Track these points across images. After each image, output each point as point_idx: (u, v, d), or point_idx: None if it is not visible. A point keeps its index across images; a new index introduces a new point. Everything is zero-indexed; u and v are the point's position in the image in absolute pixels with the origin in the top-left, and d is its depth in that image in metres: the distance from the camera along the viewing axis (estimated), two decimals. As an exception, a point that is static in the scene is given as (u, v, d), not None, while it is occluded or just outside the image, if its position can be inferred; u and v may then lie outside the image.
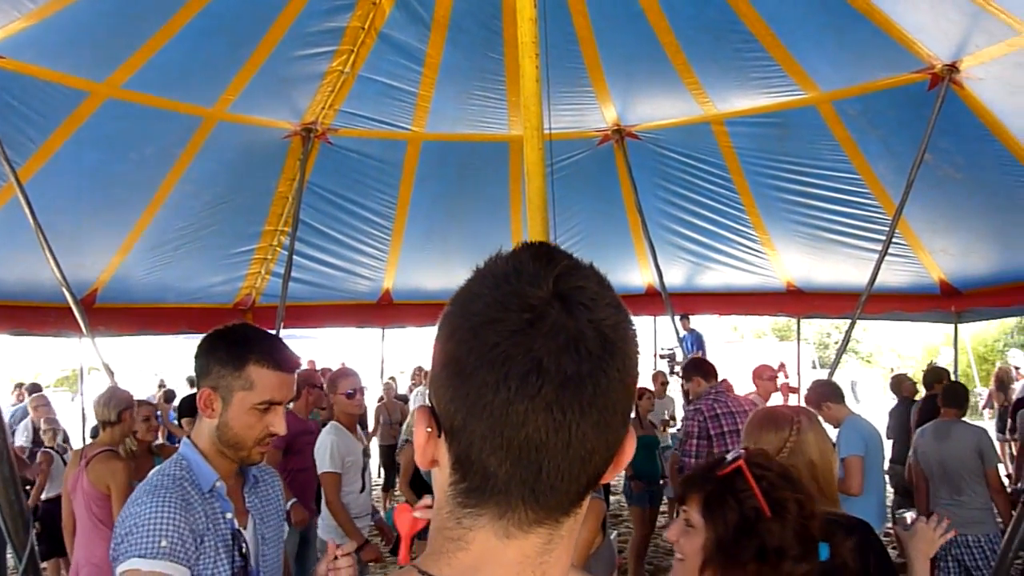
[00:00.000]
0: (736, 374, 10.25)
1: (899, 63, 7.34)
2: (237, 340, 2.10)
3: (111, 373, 7.27)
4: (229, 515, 2.06)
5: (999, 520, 5.57)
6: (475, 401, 0.73)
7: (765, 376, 7.28)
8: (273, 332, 2.20)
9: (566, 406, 0.71)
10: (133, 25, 6.52)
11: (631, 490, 7.34)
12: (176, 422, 8.89)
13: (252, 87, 7.60)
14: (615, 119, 9.02)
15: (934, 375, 7.94)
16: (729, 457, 1.79)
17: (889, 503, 8.50)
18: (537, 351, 0.71)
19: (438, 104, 8.50)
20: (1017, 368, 13.26)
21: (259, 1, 6.86)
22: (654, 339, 12.85)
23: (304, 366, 10.72)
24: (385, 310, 11.57)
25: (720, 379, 6.32)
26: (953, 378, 11.69)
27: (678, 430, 7.46)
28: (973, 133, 7.95)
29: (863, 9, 6.79)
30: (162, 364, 20.42)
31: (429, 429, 0.79)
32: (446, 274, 11.27)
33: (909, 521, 2.59)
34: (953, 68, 7.21)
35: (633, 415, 7.44)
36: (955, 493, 5.39)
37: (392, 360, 13.56)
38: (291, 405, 5.19)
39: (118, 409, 4.78)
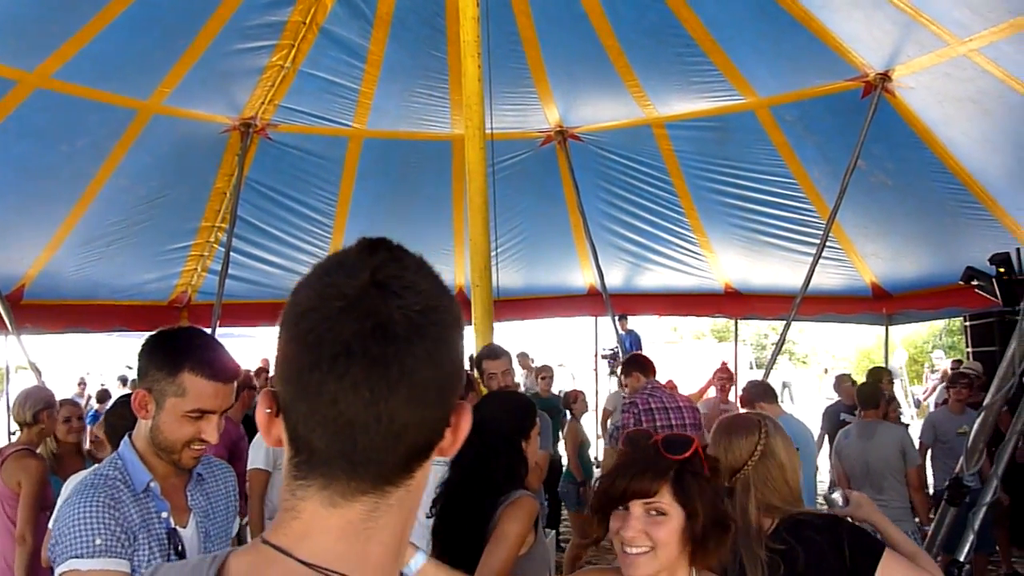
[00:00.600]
0: (676, 374, 10.40)
1: (834, 71, 7.52)
2: (175, 346, 2.08)
3: (38, 372, 7.05)
4: (164, 514, 2.06)
5: (916, 519, 5.77)
6: (297, 382, 0.81)
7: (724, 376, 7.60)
8: (216, 338, 2.16)
9: (374, 384, 0.79)
10: (65, 13, 6.32)
11: (577, 496, 7.34)
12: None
13: (189, 80, 7.44)
14: (558, 120, 9.07)
15: (875, 376, 8.15)
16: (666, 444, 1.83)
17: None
18: (346, 335, 0.79)
19: (380, 101, 8.44)
20: (938, 364, 13.66)
21: (197, -8, 6.73)
22: (595, 339, 12.94)
23: (259, 364, 10.58)
24: (325, 308, 11.44)
25: (662, 380, 6.48)
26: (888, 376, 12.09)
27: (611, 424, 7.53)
28: (904, 141, 8.19)
29: (800, 17, 6.94)
30: (93, 362, 19.89)
31: (268, 410, 0.86)
32: (387, 273, 11.20)
33: (840, 501, 2.64)
34: (885, 77, 7.42)
35: (569, 417, 7.54)
36: (877, 492, 5.52)
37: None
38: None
39: (34, 410, 4.64)
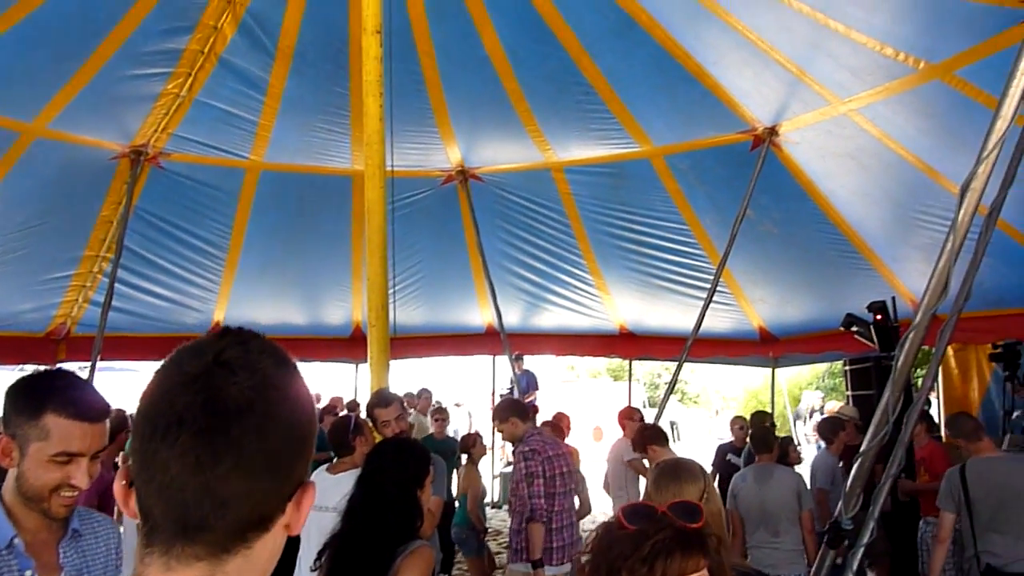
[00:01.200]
0: (572, 412, 10.50)
1: (725, 124, 7.84)
2: (36, 387, 1.96)
3: None
4: (28, 573, 1.91)
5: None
6: (140, 453, 0.85)
7: (635, 417, 7.64)
8: (84, 375, 2.05)
9: (200, 453, 0.82)
10: (-58, 30, 6.01)
11: (477, 542, 7.24)
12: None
13: (77, 104, 7.15)
14: (459, 160, 9.12)
15: (759, 419, 8.40)
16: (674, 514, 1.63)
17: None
18: (180, 408, 0.83)
19: (279, 134, 8.30)
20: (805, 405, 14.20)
21: (89, 15, 6.48)
22: (493, 378, 12.94)
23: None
24: (215, 343, 11.08)
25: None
26: (770, 419, 12.49)
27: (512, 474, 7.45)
28: (790, 192, 8.58)
29: (695, 72, 7.22)
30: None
31: (123, 482, 0.89)
32: (281, 308, 10.96)
33: None
34: (773, 131, 7.78)
35: (466, 461, 7.46)
36: (772, 535, 5.66)
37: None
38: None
39: None
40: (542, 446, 5.24)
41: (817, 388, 25.01)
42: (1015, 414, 7.91)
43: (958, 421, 5.03)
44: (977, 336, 9.32)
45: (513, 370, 9.87)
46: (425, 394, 10.98)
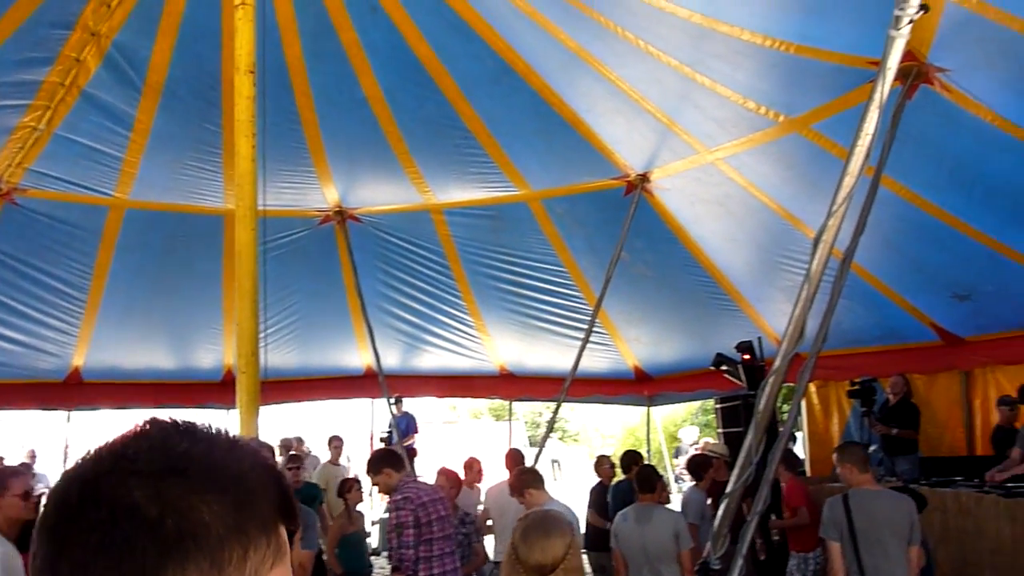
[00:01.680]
0: (454, 453, 10.40)
1: (600, 169, 8.06)
2: None
3: None
4: None
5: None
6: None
7: (475, 468, 7.60)
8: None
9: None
10: None
11: None
12: None
13: (-80, 136, 6.70)
14: (336, 200, 8.99)
15: (630, 459, 8.48)
16: None
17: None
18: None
19: (146, 171, 7.98)
20: (685, 443, 14.59)
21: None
22: (372, 422, 12.71)
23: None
24: (73, 390, 10.44)
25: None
26: (646, 455, 12.73)
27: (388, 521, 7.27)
28: (661, 236, 8.88)
29: (570, 119, 7.41)
30: None
31: None
32: (147, 352, 10.47)
33: None
34: (645, 178, 8.05)
35: (343, 508, 7.26)
36: (655, 575, 5.74)
37: (80, 447, 12.16)
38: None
39: None
40: (416, 493, 5.17)
41: (693, 424, 25.73)
42: (872, 448, 8.32)
43: (852, 450, 5.17)
44: (837, 374, 9.82)
45: (392, 413, 9.72)
46: (336, 442, 10.55)
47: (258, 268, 5.20)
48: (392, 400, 9.75)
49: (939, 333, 8.71)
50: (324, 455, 11.17)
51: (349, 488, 7.22)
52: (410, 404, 12.86)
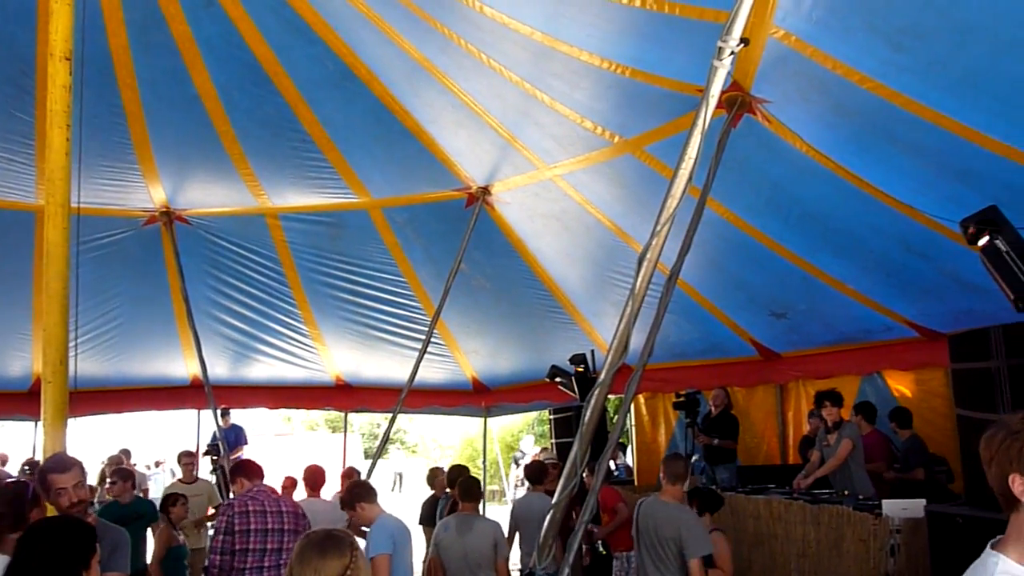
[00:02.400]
0: (288, 466, 10.05)
1: (442, 180, 8.05)
2: None
3: None
4: None
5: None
6: None
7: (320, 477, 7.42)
8: None
9: None
10: None
11: None
12: None
13: None
14: (163, 201, 8.50)
15: (456, 472, 8.47)
16: None
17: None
18: None
19: (-56, 161, 7.29)
20: (524, 453, 14.84)
21: None
22: (198, 434, 12.09)
23: None
24: None
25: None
26: (482, 466, 12.83)
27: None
28: (501, 249, 8.98)
29: (412, 129, 7.36)
30: None
31: None
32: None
33: None
34: (486, 191, 8.12)
35: (163, 523, 6.89)
36: None
37: None
38: None
39: None
40: (242, 501, 5.05)
41: (529, 435, 26.14)
42: (694, 457, 8.71)
43: (674, 462, 5.43)
44: (664, 386, 10.27)
45: (218, 425, 9.28)
46: (187, 458, 9.87)
47: (70, 269, 4.82)
48: (219, 411, 9.30)
49: (757, 348, 9.25)
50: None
51: (173, 502, 6.86)
52: (241, 416, 12.37)
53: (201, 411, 11.50)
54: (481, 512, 6.37)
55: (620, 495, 7.47)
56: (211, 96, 7.05)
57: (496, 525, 5.85)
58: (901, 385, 8.47)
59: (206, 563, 5.02)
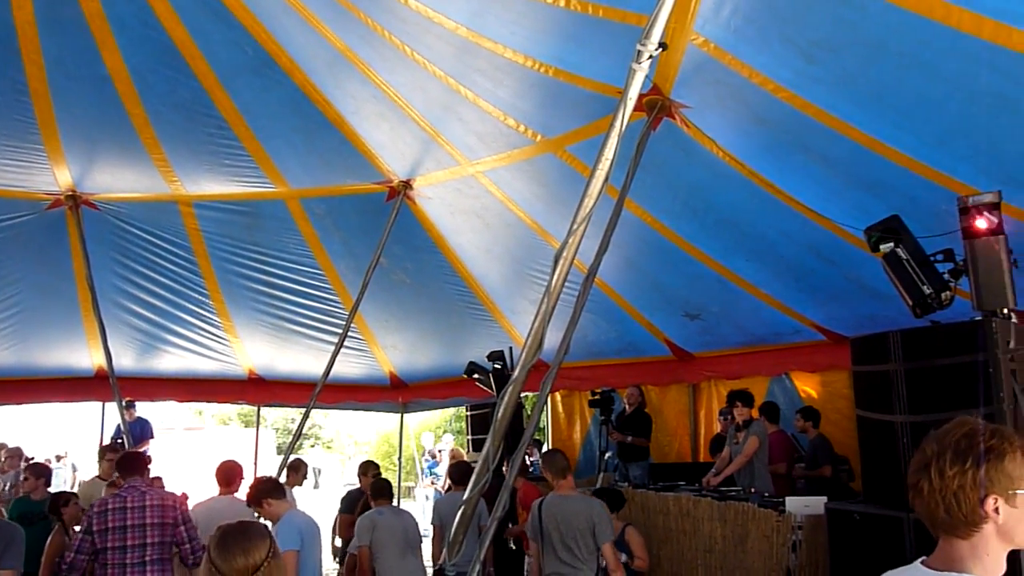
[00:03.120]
0: (199, 461, 9.78)
1: (362, 173, 7.95)
2: None
3: None
4: None
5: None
6: None
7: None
8: None
9: None
10: None
11: None
12: None
13: None
14: (70, 184, 8.16)
15: (364, 469, 8.41)
16: None
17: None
18: None
19: None
20: (440, 451, 14.77)
21: None
22: (102, 427, 11.67)
23: None
24: None
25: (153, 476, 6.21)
26: (397, 462, 12.75)
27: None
28: (422, 244, 8.92)
29: (333, 119, 7.24)
30: None
31: None
32: None
33: None
34: (407, 185, 8.05)
35: (56, 528, 6.63)
36: (414, 563, 6.02)
37: None
38: None
39: None
40: (102, 500, 5.06)
41: (446, 432, 26.09)
42: (608, 454, 8.84)
43: (553, 458, 5.55)
44: (580, 384, 10.38)
45: (123, 418, 8.97)
46: (110, 455, 9.43)
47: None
48: (124, 403, 8.99)
49: (672, 348, 9.43)
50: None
51: (65, 502, 6.46)
52: (149, 409, 12.00)
53: (106, 403, 11.12)
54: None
55: (540, 493, 7.52)
56: (123, 77, 6.80)
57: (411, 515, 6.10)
58: (808, 386, 8.75)
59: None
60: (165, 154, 7.62)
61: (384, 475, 7.82)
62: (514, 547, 7.68)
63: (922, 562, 1.73)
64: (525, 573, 7.51)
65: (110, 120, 7.20)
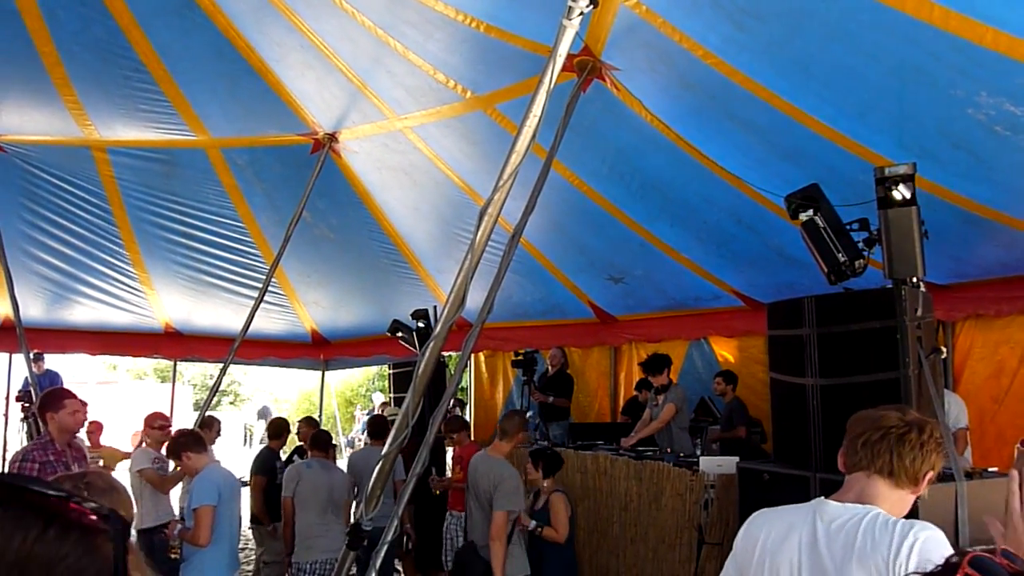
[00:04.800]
0: (113, 416, 9.49)
1: (287, 123, 7.74)
2: None
3: None
4: None
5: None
6: None
7: (156, 424, 7.01)
8: None
9: None
10: None
11: None
12: None
13: None
14: (-26, 124, 7.75)
15: (307, 423, 8.48)
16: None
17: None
18: None
19: None
20: (377, 405, 14.69)
21: None
22: (8, 380, 11.24)
23: None
24: None
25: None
26: (318, 419, 12.63)
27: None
28: (347, 199, 8.78)
29: (257, 67, 7.01)
30: None
31: None
32: None
33: None
34: (333, 138, 7.88)
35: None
36: (335, 521, 6.10)
37: None
38: None
39: None
40: (13, 457, 4.87)
41: (367, 390, 25.98)
42: (529, 414, 8.92)
43: (508, 418, 5.77)
44: (504, 344, 10.43)
45: (31, 370, 8.64)
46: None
47: None
48: (32, 355, 8.65)
49: (595, 311, 9.54)
50: None
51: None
52: (60, 361, 11.62)
53: (13, 355, 10.71)
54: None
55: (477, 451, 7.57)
56: (32, 12, 6.43)
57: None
58: (725, 351, 8.99)
59: None
60: (77, 96, 7.27)
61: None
62: (438, 493, 7.75)
63: (823, 499, 1.96)
64: (444, 528, 7.57)
65: (18, 58, 6.82)
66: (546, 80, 3.77)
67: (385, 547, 4.05)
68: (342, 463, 9.06)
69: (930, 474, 2.00)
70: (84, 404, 5.12)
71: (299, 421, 8.85)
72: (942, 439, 2.01)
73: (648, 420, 7.58)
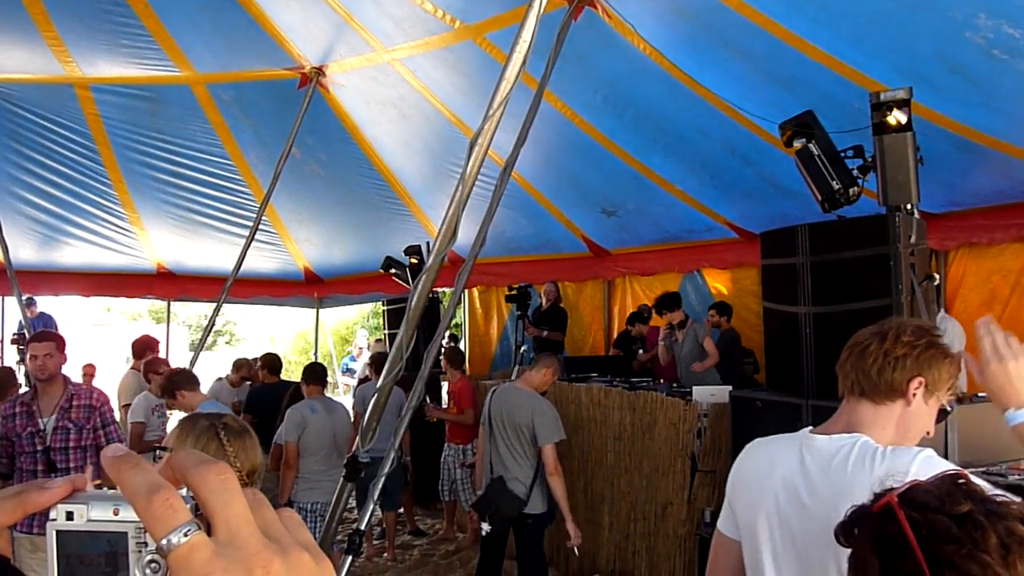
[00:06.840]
0: (109, 357, 9.50)
1: (272, 58, 7.58)
2: None
3: None
4: None
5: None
6: None
7: (160, 370, 6.99)
8: None
9: None
10: None
11: None
12: None
13: None
14: (-48, 62, 7.58)
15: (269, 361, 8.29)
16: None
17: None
18: None
19: None
20: (361, 348, 14.67)
21: None
22: (1, 323, 11.23)
23: None
24: None
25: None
26: (314, 358, 12.69)
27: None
28: (336, 135, 8.66)
29: (240, -1, 6.84)
30: None
31: None
32: None
33: None
34: (320, 72, 7.73)
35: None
36: (338, 463, 5.89)
37: None
38: None
39: None
40: (8, 404, 4.77)
41: (363, 328, 26.05)
42: (523, 348, 8.96)
43: (540, 356, 5.79)
44: (497, 279, 10.43)
45: (24, 314, 8.62)
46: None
47: None
48: (24, 299, 8.61)
49: (588, 245, 9.52)
50: None
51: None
52: (54, 304, 11.60)
53: (5, 298, 10.69)
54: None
55: (473, 397, 7.59)
56: (6, -56, 6.26)
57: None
58: (719, 283, 9.00)
59: None
60: (57, 32, 7.08)
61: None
62: (434, 421, 7.84)
63: (810, 431, 1.86)
64: (442, 459, 7.69)
65: (-7, -7, 6.65)
66: (536, 4, 3.68)
67: (382, 479, 4.09)
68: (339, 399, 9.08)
69: (916, 380, 1.77)
70: (58, 343, 4.77)
71: (260, 358, 8.51)
72: (920, 340, 1.79)
73: (667, 356, 8.03)
